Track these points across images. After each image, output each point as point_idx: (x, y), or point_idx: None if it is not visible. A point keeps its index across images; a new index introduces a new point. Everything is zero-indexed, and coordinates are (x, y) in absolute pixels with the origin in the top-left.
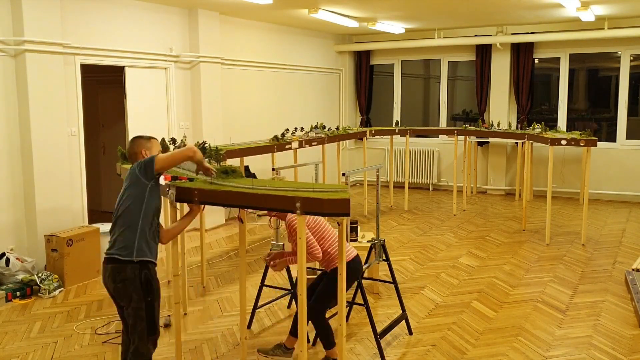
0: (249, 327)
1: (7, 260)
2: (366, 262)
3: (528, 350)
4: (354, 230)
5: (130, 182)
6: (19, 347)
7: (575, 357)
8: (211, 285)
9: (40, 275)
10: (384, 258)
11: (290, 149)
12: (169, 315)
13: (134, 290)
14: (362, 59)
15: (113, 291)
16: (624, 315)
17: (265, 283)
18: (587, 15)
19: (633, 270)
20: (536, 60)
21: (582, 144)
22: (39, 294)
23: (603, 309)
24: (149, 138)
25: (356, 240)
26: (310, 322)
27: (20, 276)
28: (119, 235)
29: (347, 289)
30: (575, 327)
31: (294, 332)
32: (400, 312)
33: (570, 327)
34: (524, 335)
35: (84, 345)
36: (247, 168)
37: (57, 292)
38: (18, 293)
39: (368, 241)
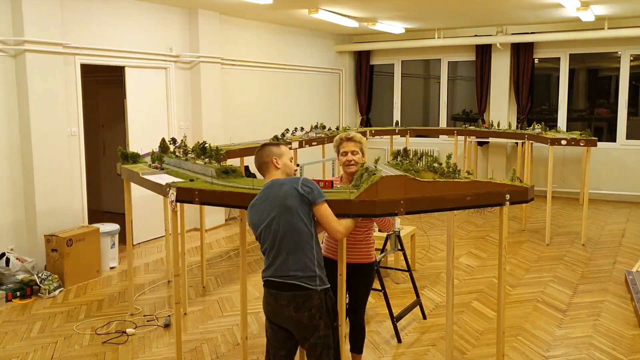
0: None
1: (7, 260)
2: (382, 251)
3: (528, 350)
4: None
5: (292, 202)
6: (19, 347)
7: (575, 357)
8: (211, 285)
9: (40, 275)
10: (399, 248)
11: (290, 149)
12: (169, 315)
13: (321, 318)
14: (362, 59)
15: (290, 321)
16: (624, 315)
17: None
18: (587, 15)
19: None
20: (536, 60)
21: (582, 144)
22: (39, 294)
23: (603, 309)
24: (278, 144)
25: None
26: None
27: (20, 276)
28: (288, 258)
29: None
30: (575, 327)
31: (355, 348)
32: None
33: (570, 327)
34: (524, 335)
35: (84, 345)
36: (247, 168)
37: (57, 292)
38: (18, 293)
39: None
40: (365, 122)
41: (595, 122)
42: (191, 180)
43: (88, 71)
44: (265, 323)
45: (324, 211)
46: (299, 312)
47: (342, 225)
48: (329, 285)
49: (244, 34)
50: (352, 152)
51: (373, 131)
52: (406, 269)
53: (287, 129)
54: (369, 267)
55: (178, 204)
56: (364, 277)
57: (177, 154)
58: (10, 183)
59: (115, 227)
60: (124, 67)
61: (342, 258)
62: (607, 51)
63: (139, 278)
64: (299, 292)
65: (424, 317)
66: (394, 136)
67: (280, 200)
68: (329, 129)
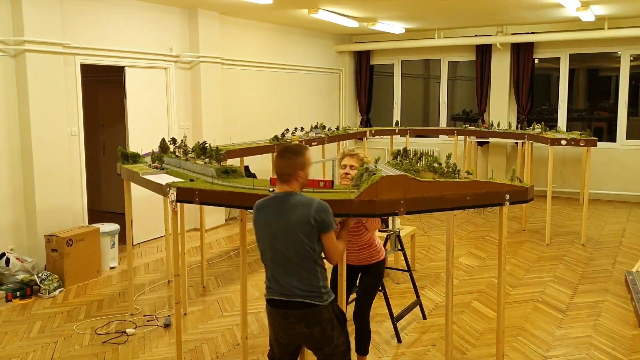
0: None
1: (7, 260)
2: None
3: (528, 350)
4: (384, 221)
5: (301, 229)
6: (19, 347)
7: (575, 357)
8: (211, 285)
9: (40, 275)
10: (399, 248)
11: None
12: (168, 315)
13: (333, 329)
14: (362, 59)
15: (302, 337)
16: (624, 315)
17: None
18: (587, 15)
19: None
20: (536, 60)
21: (582, 144)
22: (39, 294)
23: (603, 309)
24: (304, 151)
25: (386, 230)
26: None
27: (20, 276)
28: (292, 278)
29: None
30: (575, 327)
31: (360, 350)
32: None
33: (570, 327)
34: (524, 335)
35: (84, 345)
36: (247, 168)
37: (57, 292)
38: (18, 293)
39: (381, 231)
40: (365, 122)
41: (595, 122)
42: (191, 180)
43: (88, 71)
44: (270, 333)
45: (328, 241)
46: (310, 328)
47: (339, 255)
48: (335, 295)
49: (244, 34)
50: (351, 167)
51: (373, 131)
52: (406, 269)
53: (287, 129)
54: (379, 264)
55: (178, 204)
56: (374, 274)
57: (177, 154)
58: (10, 183)
59: (115, 227)
60: (124, 67)
61: (342, 261)
62: (607, 51)
63: (139, 278)
64: (308, 309)
65: (424, 317)
66: (394, 136)
67: (288, 224)
68: (329, 129)
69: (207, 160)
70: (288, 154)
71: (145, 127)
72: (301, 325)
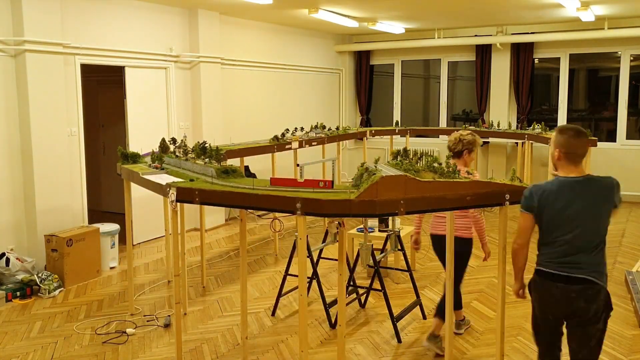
0: (273, 314)
1: (7, 260)
2: (382, 251)
3: (528, 350)
4: (383, 221)
5: (606, 211)
6: (19, 347)
7: None
8: (211, 285)
9: (40, 275)
10: (399, 248)
11: (290, 149)
12: (168, 315)
13: (604, 312)
14: (362, 59)
15: (577, 311)
16: (624, 315)
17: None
18: (587, 15)
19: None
20: (536, 60)
21: None
22: (39, 294)
23: None
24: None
25: (386, 230)
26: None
27: (20, 276)
28: (587, 254)
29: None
30: None
31: (440, 314)
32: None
33: None
34: (524, 335)
35: (84, 345)
36: (247, 168)
37: (57, 292)
38: (18, 293)
39: (381, 231)
40: (365, 122)
41: (595, 122)
42: (191, 180)
43: (88, 71)
44: (541, 322)
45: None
46: (589, 304)
47: None
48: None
49: (244, 34)
50: None
51: (373, 131)
52: (406, 269)
53: (287, 129)
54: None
55: (178, 204)
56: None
57: (177, 154)
58: (10, 183)
59: (115, 227)
60: (124, 67)
61: (342, 260)
62: (607, 51)
63: (139, 278)
64: (589, 284)
65: (424, 317)
66: (394, 136)
67: (600, 208)
68: (329, 129)
69: (207, 160)
70: (584, 135)
71: (145, 127)
72: (580, 300)
